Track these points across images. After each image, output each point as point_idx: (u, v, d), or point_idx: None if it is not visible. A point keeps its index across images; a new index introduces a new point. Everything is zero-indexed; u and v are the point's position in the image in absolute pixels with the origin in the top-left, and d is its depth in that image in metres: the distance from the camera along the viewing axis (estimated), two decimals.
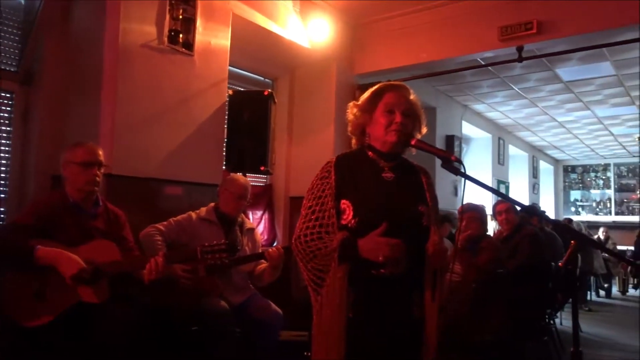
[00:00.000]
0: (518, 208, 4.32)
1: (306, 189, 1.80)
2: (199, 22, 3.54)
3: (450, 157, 1.54)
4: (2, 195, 3.19)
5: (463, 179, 1.64)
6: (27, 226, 2.31)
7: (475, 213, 3.65)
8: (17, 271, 2.26)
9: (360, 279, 1.64)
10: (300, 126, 5.08)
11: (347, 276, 1.62)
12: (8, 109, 3.23)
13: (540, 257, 4.02)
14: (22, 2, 3.30)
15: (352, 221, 1.66)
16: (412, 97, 1.82)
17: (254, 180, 4.77)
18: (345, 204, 1.69)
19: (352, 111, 1.84)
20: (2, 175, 3.20)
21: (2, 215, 3.18)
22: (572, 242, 1.43)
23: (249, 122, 3.80)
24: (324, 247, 1.64)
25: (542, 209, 10.59)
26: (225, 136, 3.84)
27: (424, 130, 1.85)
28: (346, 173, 1.74)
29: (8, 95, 3.23)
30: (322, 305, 1.64)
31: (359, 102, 1.84)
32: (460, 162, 1.53)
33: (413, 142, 1.67)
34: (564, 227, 1.48)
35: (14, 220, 2.40)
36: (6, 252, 2.24)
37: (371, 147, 1.81)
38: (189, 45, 3.47)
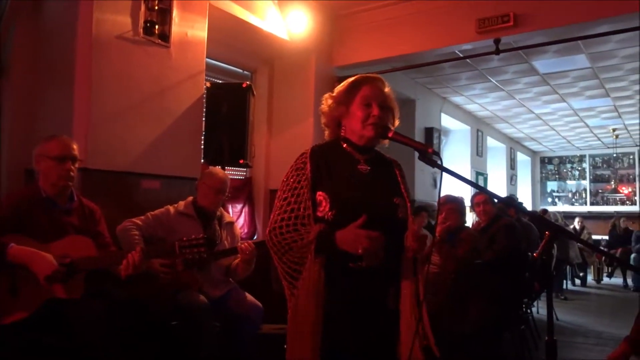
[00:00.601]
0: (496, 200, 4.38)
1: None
2: (175, 13, 3.48)
3: (427, 149, 1.54)
4: None
5: (440, 170, 1.63)
6: None
7: (454, 205, 3.68)
8: None
9: (336, 272, 1.63)
10: (279, 118, 5.05)
11: (323, 269, 1.60)
12: None
13: (517, 248, 4.08)
14: None
15: (329, 213, 1.65)
16: (387, 89, 1.80)
17: (233, 173, 4.74)
18: (321, 195, 1.68)
19: (327, 103, 1.83)
20: None
21: None
22: (547, 233, 1.44)
23: (228, 114, 3.76)
24: (300, 239, 1.62)
25: (519, 200, 10.75)
26: (203, 129, 3.80)
27: (397, 122, 1.84)
28: (322, 164, 1.71)
29: None
30: (297, 298, 1.62)
31: (335, 94, 1.82)
32: (437, 155, 1.54)
33: (390, 135, 1.66)
34: (539, 218, 1.50)
35: None
36: None
37: (346, 140, 1.80)
38: (165, 36, 3.42)
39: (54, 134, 2.56)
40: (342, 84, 1.83)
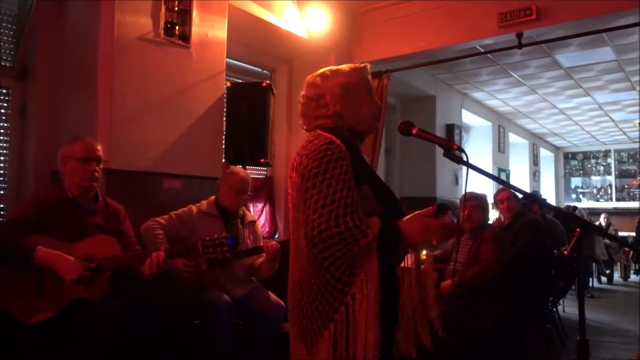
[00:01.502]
0: (520, 196, 4.31)
1: None
2: (195, 14, 3.50)
3: (452, 146, 1.51)
4: (2, 192, 3.17)
5: (465, 167, 1.60)
6: (24, 223, 2.29)
7: (477, 202, 3.64)
8: (15, 268, 2.23)
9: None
10: (299, 117, 5.03)
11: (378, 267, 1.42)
12: (4, 104, 3.20)
13: (541, 245, 4.02)
14: None
15: (377, 210, 1.49)
16: None
17: (254, 172, 4.75)
18: (366, 189, 1.51)
19: (334, 92, 1.66)
20: (1, 171, 3.17)
21: (2, 212, 3.16)
22: (577, 230, 1.41)
23: (248, 114, 3.77)
24: (361, 236, 1.39)
25: (543, 196, 10.58)
26: (224, 128, 3.81)
27: None
28: (354, 156, 1.55)
29: (4, 91, 3.20)
30: (355, 305, 1.41)
31: (346, 83, 1.67)
32: (462, 151, 1.50)
33: (415, 132, 1.58)
34: (568, 215, 1.46)
35: (12, 217, 2.38)
36: (6, 252, 2.21)
37: (353, 131, 1.67)
38: (185, 37, 3.43)
39: (78, 135, 2.60)
40: (347, 71, 1.69)
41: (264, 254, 3.04)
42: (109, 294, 2.37)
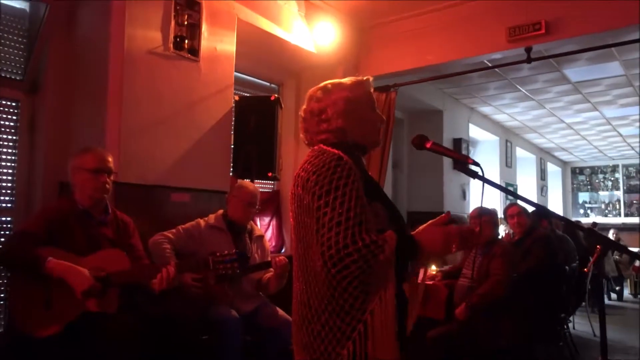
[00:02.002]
0: (530, 209, 4.26)
1: None
2: (204, 28, 3.51)
3: (467, 159, 1.48)
4: (10, 205, 3.16)
5: (478, 181, 1.55)
6: (35, 234, 2.27)
7: (488, 217, 3.60)
8: (24, 279, 2.22)
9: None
10: (300, 131, 5.02)
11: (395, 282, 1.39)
12: (14, 117, 3.20)
13: (553, 261, 3.96)
14: (27, 10, 3.28)
15: (388, 227, 1.43)
16: None
17: (261, 186, 4.73)
18: (377, 206, 1.48)
19: (337, 107, 1.62)
20: (9, 184, 3.17)
21: (9, 225, 3.15)
22: (598, 247, 1.37)
23: (256, 127, 3.76)
24: (380, 251, 1.34)
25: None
26: (232, 142, 3.80)
27: None
28: (362, 172, 1.51)
29: (14, 104, 3.20)
30: (374, 327, 1.37)
31: (352, 97, 1.63)
32: (478, 165, 1.47)
33: (429, 145, 1.55)
34: (590, 232, 1.42)
35: (23, 227, 2.35)
36: (17, 262, 2.20)
37: (357, 146, 1.63)
38: (194, 51, 3.44)
39: (89, 146, 2.60)
40: (350, 84, 1.66)
41: (272, 269, 3.01)
42: (119, 309, 2.34)
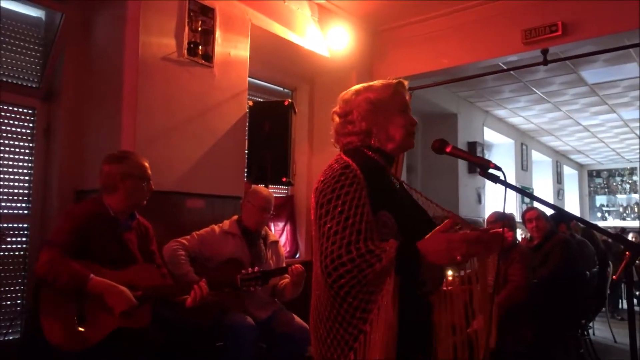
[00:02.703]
0: (548, 214, 4.19)
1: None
2: (218, 34, 3.52)
3: (488, 164, 1.44)
4: (26, 212, 3.18)
5: (495, 185, 1.50)
6: (68, 245, 2.23)
7: (506, 222, 3.54)
8: (57, 292, 2.18)
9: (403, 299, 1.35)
10: (320, 136, 5.02)
11: (397, 292, 1.32)
12: (30, 125, 3.23)
13: (573, 266, 3.88)
14: (43, 18, 3.30)
15: (398, 237, 1.38)
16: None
17: (275, 191, 4.72)
18: (385, 215, 1.43)
19: (361, 108, 1.59)
20: (26, 191, 3.19)
21: (26, 232, 3.17)
22: (627, 253, 1.32)
23: (270, 132, 3.75)
24: (377, 261, 1.30)
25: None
26: (246, 147, 3.80)
27: None
28: (372, 180, 1.46)
29: (30, 111, 3.23)
30: (372, 333, 1.33)
31: (373, 98, 1.59)
32: (499, 169, 1.43)
33: (449, 150, 1.50)
34: (618, 237, 1.38)
35: (55, 239, 2.28)
36: (60, 280, 2.14)
37: (379, 150, 1.58)
38: (208, 57, 3.44)
39: (129, 152, 2.63)
40: (377, 86, 1.62)
41: (287, 276, 2.99)
42: (150, 322, 2.35)
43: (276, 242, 3.27)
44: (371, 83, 1.66)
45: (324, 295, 1.44)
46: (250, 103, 3.87)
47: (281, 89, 5.04)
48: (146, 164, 2.53)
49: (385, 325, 1.31)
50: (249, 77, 3.87)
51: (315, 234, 1.46)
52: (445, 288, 1.55)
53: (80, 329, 2.18)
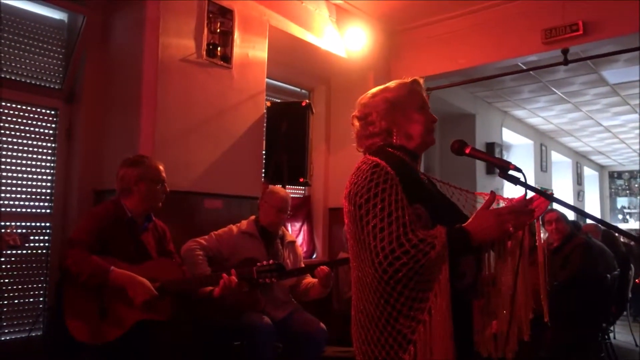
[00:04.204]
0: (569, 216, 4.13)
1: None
2: (236, 35, 3.54)
3: (508, 165, 1.43)
4: (49, 211, 3.23)
5: (514, 186, 1.49)
6: (91, 242, 2.31)
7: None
8: (78, 287, 2.24)
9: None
10: (337, 136, 5.03)
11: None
12: (53, 125, 3.28)
13: (594, 269, 3.82)
14: (65, 21, 3.36)
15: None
16: None
17: (292, 191, 4.73)
18: (420, 209, 1.43)
19: (380, 107, 1.60)
20: (48, 190, 3.25)
21: (48, 230, 3.22)
22: None
23: (287, 133, 3.76)
24: (430, 248, 1.31)
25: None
26: (263, 148, 3.82)
27: None
28: (404, 175, 1.46)
29: (52, 112, 3.28)
30: (430, 327, 1.32)
31: (392, 97, 1.61)
32: (520, 171, 1.42)
33: (468, 151, 1.49)
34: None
35: (77, 236, 2.35)
36: (83, 273, 2.20)
37: (402, 148, 1.59)
38: (227, 58, 3.47)
39: (143, 156, 2.67)
40: (393, 86, 1.64)
41: (308, 275, 3.01)
42: (175, 316, 2.40)
43: (293, 242, 3.28)
44: (387, 84, 1.67)
45: (372, 295, 1.42)
46: (268, 104, 3.88)
47: (298, 89, 5.05)
48: (161, 167, 2.57)
49: (444, 311, 1.32)
50: (267, 77, 3.89)
51: (355, 237, 1.45)
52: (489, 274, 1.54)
53: (103, 323, 2.23)
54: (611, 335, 5.14)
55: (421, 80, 1.69)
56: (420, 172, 1.65)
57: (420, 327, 1.34)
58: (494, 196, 1.38)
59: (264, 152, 3.82)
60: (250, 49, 3.67)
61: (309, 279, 3.05)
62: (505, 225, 1.33)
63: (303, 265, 3.22)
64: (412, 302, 1.35)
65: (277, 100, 4.56)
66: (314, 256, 4.96)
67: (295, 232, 4.84)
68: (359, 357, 1.49)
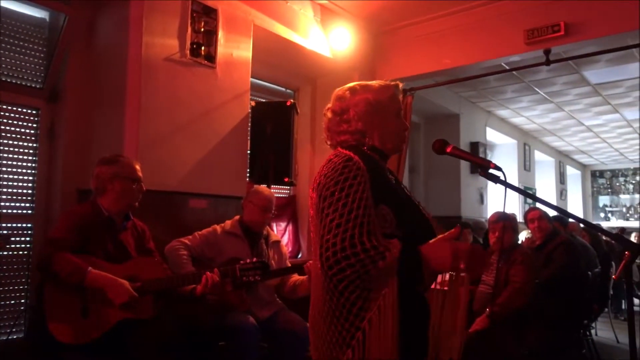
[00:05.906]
0: (551, 214, 4.18)
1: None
2: (220, 34, 3.53)
3: (489, 164, 1.45)
4: (30, 212, 3.19)
5: (497, 185, 1.51)
6: (69, 241, 2.29)
7: (508, 222, 3.54)
8: (59, 287, 2.23)
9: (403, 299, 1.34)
10: (322, 136, 4.99)
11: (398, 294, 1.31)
12: (34, 125, 3.24)
13: (576, 266, 3.88)
14: (47, 19, 3.32)
15: (397, 231, 1.40)
16: None
17: (277, 191, 4.73)
18: (385, 209, 1.42)
19: (359, 108, 1.59)
20: (29, 191, 3.21)
21: (30, 231, 3.18)
22: (627, 252, 1.33)
23: (272, 133, 3.76)
24: (380, 258, 1.29)
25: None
26: (248, 148, 3.81)
27: None
28: (374, 174, 1.45)
29: (34, 112, 3.24)
30: (371, 331, 1.31)
31: (373, 101, 1.60)
32: (500, 169, 1.44)
33: (449, 150, 1.51)
34: (618, 237, 1.39)
35: (56, 235, 2.34)
36: (59, 273, 2.19)
37: (376, 149, 1.59)
38: (211, 57, 3.46)
39: (120, 155, 2.65)
40: (376, 87, 1.62)
41: (294, 274, 3.01)
42: (157, 313, 2.39)
43: (278, 242, 3.28)
44: (368, 83, 1.66)
45: (324, 290, 1.43)
46: (253, 103, 3.88)
47: (283, 89, 5.05)
48: (137, 166, 2.55)
49: (386, 326, 1.29)
50: (252, 77, 3.88)
51: (315, 228, 1.44)
52: (440, 287, 1.53)
53: (84, 322, 2.22)
54: (593, 332, 5.21)
55: (400, 85, 1.69)
56: (391, 172, 1.63)
57: (359, 335, 1.33)
58: (459, 230, 1.36)
59: (249, 151, 3.81)
60: (235, 49, 3.66)
61: (296, 277, 3.04)
62: (458, 262, 1.31)
63: (289, 265, 3.22)
64: (352, 306, 1.34)
65: (262, 99, 4.55)
66: (300, 256, 4.96)
67: (281, 231, 4.84)
68: (313, 353, 1.51)
